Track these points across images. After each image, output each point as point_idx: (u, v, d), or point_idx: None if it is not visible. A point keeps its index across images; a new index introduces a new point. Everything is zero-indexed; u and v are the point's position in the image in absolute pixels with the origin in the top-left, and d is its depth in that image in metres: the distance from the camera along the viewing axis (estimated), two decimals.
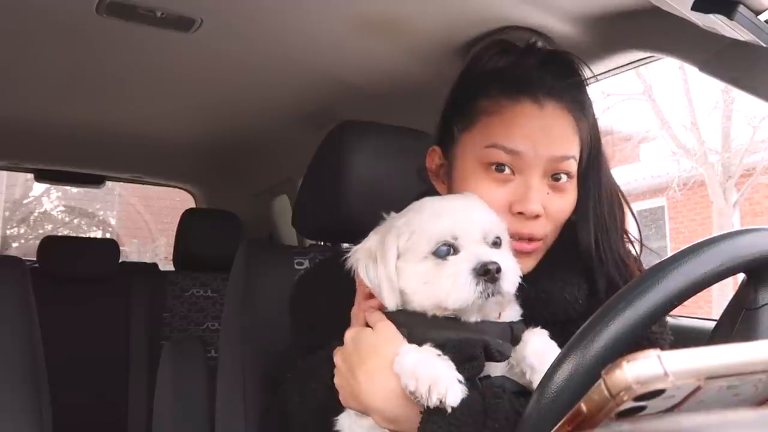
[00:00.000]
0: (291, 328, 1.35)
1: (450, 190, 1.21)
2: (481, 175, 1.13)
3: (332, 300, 1.18)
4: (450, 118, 1.24)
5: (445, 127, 1.25)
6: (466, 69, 1.28)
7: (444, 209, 1.04)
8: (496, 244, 1.04)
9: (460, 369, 0.94)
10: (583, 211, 1.18)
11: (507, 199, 1.12)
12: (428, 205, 1.07)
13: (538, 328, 1.04)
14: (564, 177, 1.14)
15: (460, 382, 0.91)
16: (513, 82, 1.15)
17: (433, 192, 1.24)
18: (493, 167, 1.12)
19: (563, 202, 1.15)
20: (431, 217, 1.03)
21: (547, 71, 1.18)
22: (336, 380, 1.04)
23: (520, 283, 1.10)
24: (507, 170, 1.12)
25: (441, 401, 0.88)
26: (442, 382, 0.89)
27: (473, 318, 1.00)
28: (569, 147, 1.14)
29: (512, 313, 1.08)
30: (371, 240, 1.08)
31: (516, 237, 1.11)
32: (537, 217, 1.12)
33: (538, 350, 1.00)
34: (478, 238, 1.01)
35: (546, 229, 1.14)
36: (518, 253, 1.10)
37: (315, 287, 1.31)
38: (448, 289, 0.97)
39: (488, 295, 0.97)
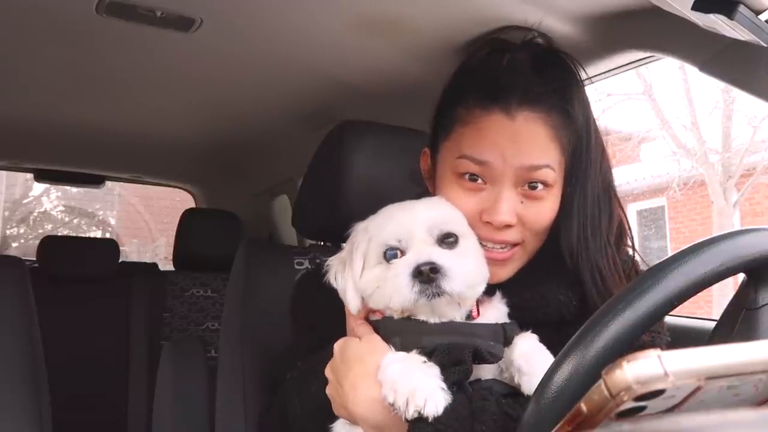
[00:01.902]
0: (292, 329, 1.35)
1: (434, 195, 1.21)
2: (455, 184, 1.15)
3: (334, 300, 1.18)
4: (436, 123, 1.25)
5: (433, 131, 1.26)
6: (455, 72, 1.28)
7: (393, 214, 1.08)
8: (449, 242, 1.04)
9: (448, 373, 0.95)
10: (566, 212, 1.16)
11: (478, 208, 1.12)
12: (383, 211, 1.10)
13: (528, 332, 1.06)
14: (540, 186, 1.12)
15: (443, 390, 0.92)
16: (488, 91, 1.14)
17: (427, 194, 1.24)
18: (466, 177, 1.13)
19: (540, 211, 1.14)
20: (382, 222, 1.07)
21: (531, 74, 1.16)
22: (327, 390, 1.06)
23: (515, 286, 1.12)
24: (479, 180, 1.13)
25: (419, 413, 0.89)
26: (420, 393, 0.90)
27: (432, 319, 1.02)
28: (542, 156, 1.12)
29: (498, 313, 1.09)
30: (345, 249, 1.13)
31: (489, 244, 1.12)
32: (508, 226, 1.11)
33: (526, 353, 1.02)
34: (423, 238, 1.03)
35: (522, 235, 1.13)
36: (493, 261, 1.11)
37: (316, 287, 1.31)
38: (391, 292, 1.00)
39: (430, 296, 0.98)
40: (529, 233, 1.14)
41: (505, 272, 1.15)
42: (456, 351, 0.98)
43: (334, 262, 1.13)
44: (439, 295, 0.98)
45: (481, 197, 1.12)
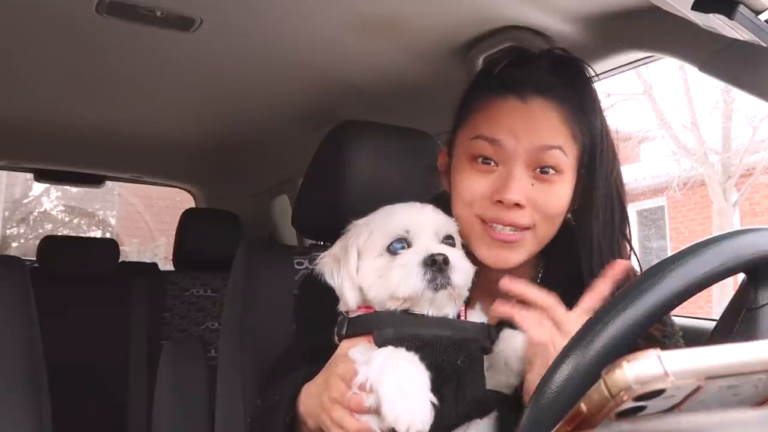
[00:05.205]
0: (297, 328, 1.35)
1: (449, 190, 1.23)
2: (468, 167, 1.17)
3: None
4: (455, 120, 1.27)
5: (452, 129, 1.28)
6: (475, 76, 1.30)
7: (399, 209, 1.12)
8: (449, 243, 1.10)
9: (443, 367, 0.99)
10: (584, 207, 1.18)
11: (490, 188, 1.14)
12: (386, 208, 1.14)
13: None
14: (551, 170, 1.14)
15: (432, 403, 0.93)
16: (503, 82, 1.17)
17: (443, 194, 1.26)
18: (479, 159, 1.16)
19: (550, 195, 1.15)
20: (387, 216, 1.11)
21: (546, 73, 1.18)
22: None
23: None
24: (492, 162, 1.15)
25: None
26: (419, 418, 0.91)
27: (428, 311, 1.04)
28: (553, 137, 1.14)
29: (478, 318, 1.11)
30: (337, 246, 1.14)
31: (498, 224, 1.14)
32: (518, 206, 1.12)
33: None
34: (429, 234, 1.08)
35: (532, 218, 1.14)
36: (501, 243, 1.13)
37: (324, 287, 1.30)
38: (399, 279, 1.02)
39: (437, 287, 1.01)
40: (540, 217, 1.15)
41: (515, 257, 1.16)
42: (460, 343, 1.00)
43: (326, 259, 1.14)
44: (444, 287, 1.02)
45: (493, 178, 1.15)
